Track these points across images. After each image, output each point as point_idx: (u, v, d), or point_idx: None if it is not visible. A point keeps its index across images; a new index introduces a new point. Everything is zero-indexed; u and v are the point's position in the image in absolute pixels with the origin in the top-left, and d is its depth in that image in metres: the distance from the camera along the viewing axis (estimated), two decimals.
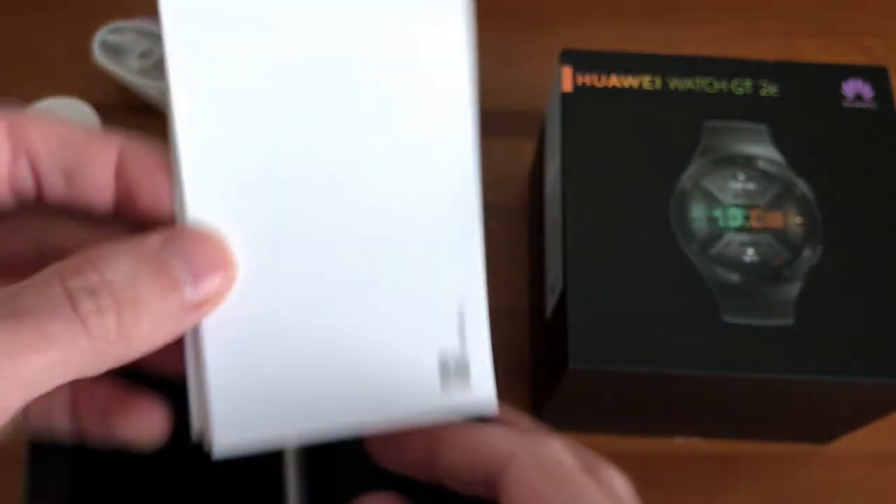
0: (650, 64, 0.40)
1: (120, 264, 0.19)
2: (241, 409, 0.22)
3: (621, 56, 0.40)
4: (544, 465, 0.22)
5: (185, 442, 0.25)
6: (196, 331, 0.22)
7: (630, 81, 0.39)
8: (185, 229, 0.21)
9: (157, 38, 0.52)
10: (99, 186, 0.22)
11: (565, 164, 0.38)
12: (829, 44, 0.56)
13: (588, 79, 0.39)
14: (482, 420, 0.24)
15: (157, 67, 0.51)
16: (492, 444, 0.23)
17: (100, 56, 0.51)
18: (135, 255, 0.20)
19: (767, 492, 0.44)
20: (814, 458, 0.45)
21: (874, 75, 0.39)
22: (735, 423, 0.41)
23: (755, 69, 0.40)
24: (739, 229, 0.36)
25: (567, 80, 0.39)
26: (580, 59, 0.40)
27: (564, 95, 0.39)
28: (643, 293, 0.35)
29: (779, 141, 0.38)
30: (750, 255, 0.36)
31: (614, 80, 0.39)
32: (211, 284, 0.21)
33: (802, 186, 0.37)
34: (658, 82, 0.39)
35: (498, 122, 0.52)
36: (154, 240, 0.21)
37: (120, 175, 0.22)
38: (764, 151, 0.38)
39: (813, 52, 0.55)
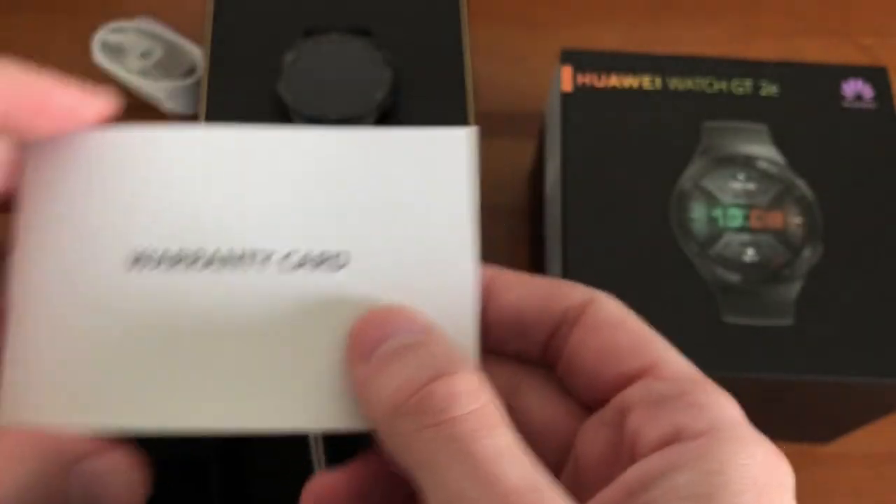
0: (650, 64, 0.40)
1: None
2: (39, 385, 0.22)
3: (621, 56, 0.40)
4: (627, 317, 0.21)
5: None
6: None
7: (630, 81, 0.39)
8: None
9: (157, 38, 0.52)
10: None
11: (565, 165, 0.38)
12: (829, 44, 0.56)
13: (588, 79, 0.39)
14: None
15: (157, 67, 0.51)
16: (568, 286, 0.22)
17: (100, 56, 0.51)
18: None
19: None
20: (814, 458, 0.45)
21: (874, 75, 0.40)
22: None
23: (755, 69, 0.40)
24: (739, 229, 0.36)
25: (567, 80, 0.39)
26: (580, 59, 0.40)
27: (564, 95, 0.39)
28: (643, 293, 0.35)
29: (779, 141, 0.38)
30: (750, 255, 0.36)
31: (614, 80, 0.39)
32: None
33: (802, 186, 0.37)
34: (658, 82, 0.39)
35: (498, 122, 0.52)
36: None
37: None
38: (764, 151, 0.38)
39: (813, 51, 0.55)
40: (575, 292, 0.22)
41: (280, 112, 0.40)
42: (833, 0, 0.58)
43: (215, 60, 0.42)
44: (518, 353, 0.23)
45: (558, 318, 0.22)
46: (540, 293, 0.22)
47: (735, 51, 0.55)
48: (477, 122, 0.40)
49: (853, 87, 0.39)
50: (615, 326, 0.21)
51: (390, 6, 0.43)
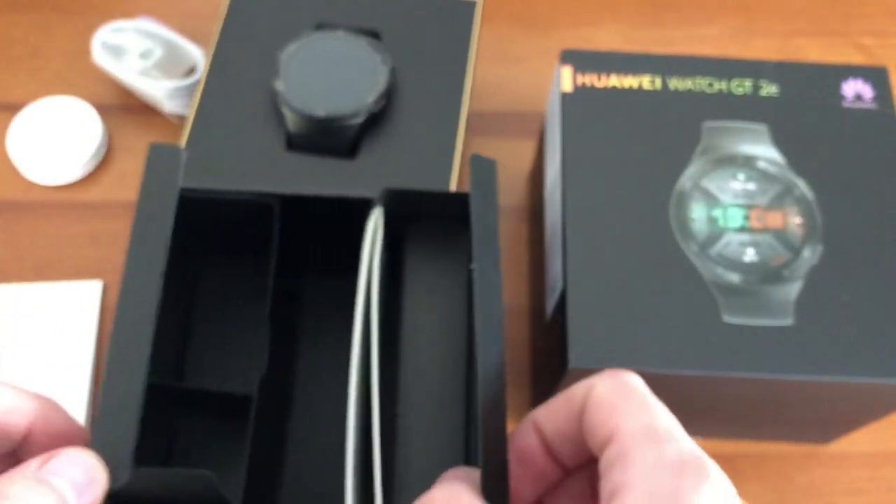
0: (650, 64, 0.40)
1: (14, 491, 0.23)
2: None
3: (621, 56, 0.40)
4: (617, 383, 0.25)
5: None
6: None
7: (630, 81, 0.39)
8: (63, 452, 0.25)
9: (157, 38, 0.52)
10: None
11: (565, 165, 0.38)
12: (829, 44, 0.56)
13: (588, 79, 0.39)
14: None
15: (157, 67, 0.51)
16: (579, 385, 0.26)
17: (100, 56, 0.51)
18: (22, 481, 0.23)
19: (767, 492, 0.44)
20: (814, 458, 0.45)
21: (874, 75, 0.39)
22: (735, 423, 0.41)
23: (755, 69, 0.40)
24: (739, 229, 0.36)
25: (567, 80, 0.39)
26: (580, 59, 0.40)
27: (564, 95, 0.39)
28: (643, 293, 0.35)
29: (779, 141, 0.38)
30: (750, 255, 0.36)
31: (614, 80, 0.39)
32: (91, 495, 0.24)
33: (802, 186, 0.37)
34: (658, 82, 0.39)
35: (498, 122, 0.52)
36: (34, 464, 0.24)
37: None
38: (764, 151, 0.38)
39: (812, 51, 0.55)
40: (580, 393, 0.26)
41: (273, 104, 0.40)
42: (833, 0, 0.58)
43: (218, 59, 0.42)
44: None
45: (579, 425, 0.26)
46: (565, 416, 0.26)
47: (734, 51, 0.55)
48: (476, 123, 0.40)
49: (853, 87, 0.39)
50: (597, 408, 0.25)
51: (401, 10, 0.43)
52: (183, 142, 0.39)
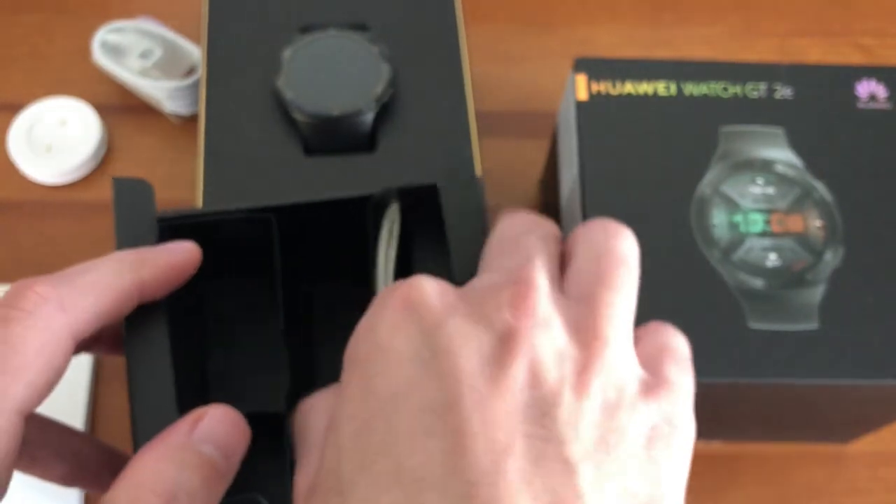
0: (664, 70, 0.40)
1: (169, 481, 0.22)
2: None
3: (635, 62, 0.40)
4: None
5: None
6: None
7: (645, 88, 0.39)
8: (206, 413, 0.25)
9: (157, 38, 0.51)
10: None
11: (583, 174, 0.37)
12: (829, 43, 0.56)
13: (603, 86, 0.39)
14: None
15: (157, 67, 0.50)
16: None
17: (100, 56, 0.50)
18: (172, 453, 0.23)
19: (769, 492, 0.44)
20: (814, 458, 0.45)
21: (887, 75, 0.40)
22: (761, 427, 0.41)
23: (768, 72, 0.40)
24: (761, 234, 0.36)
25: (582, 88, 0.39)
26: (594, 67, 0.40)
27: (580, 104, 0.39)
28: (666, 301, 0.35)
29: (796, 144, 0.38)
30: (772, 259, 0.36)
31: (629, 87, 0.39)
32: (238, 456, 0.25)
33: (821, 189, 0.37)
34: (673, 88, 0.39)
35: (497, 122, 0.52)
36: (183, 429, 0.24)
37: None
38: (781, 155, 0.38)
39: (812, 51, 0.56)
40: None
41: (280, 109, 0.40)
42: (833, 0, 0.58)
43: (212, 60, 0.42)
44: None
45: None
46: None
47: (735, 50, 0.56)
48: (476, 121, 0.40)
49: (867, 88, 0.39)
50: None
51: (385, 2, 0.43)
52: (199, 166, 0.39)
